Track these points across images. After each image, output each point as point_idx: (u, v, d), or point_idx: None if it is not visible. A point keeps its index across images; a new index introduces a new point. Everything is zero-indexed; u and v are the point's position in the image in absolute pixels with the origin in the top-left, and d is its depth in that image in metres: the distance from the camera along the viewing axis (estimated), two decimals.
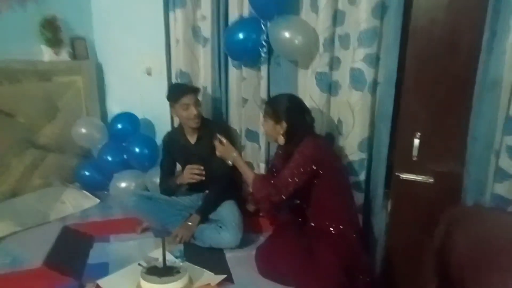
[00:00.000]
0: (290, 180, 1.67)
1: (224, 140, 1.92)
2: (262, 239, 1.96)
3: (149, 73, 2.68)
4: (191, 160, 2.13)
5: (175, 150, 2.24)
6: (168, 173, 2.26)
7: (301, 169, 1.67)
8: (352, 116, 1.97)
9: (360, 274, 1.70)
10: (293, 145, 1.75)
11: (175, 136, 2.26)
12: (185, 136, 2.20)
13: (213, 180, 2.10)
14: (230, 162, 1.91)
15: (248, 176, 1.83)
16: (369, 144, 2.02)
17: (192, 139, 2.19)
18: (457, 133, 1.75)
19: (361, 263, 1.73)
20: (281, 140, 1.80)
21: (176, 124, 2.47)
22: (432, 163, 1.87)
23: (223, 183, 2.11)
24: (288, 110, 1.77)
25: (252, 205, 2.24)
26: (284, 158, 1.83)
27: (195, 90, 2.11)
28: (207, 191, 2.17)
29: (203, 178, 2.04)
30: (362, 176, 2.04)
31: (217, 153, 1.94)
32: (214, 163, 2.07)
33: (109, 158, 2.60)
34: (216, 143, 1.94)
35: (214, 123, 2.27)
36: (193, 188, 2.21)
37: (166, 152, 2.28)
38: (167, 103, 2.17)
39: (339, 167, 1.90)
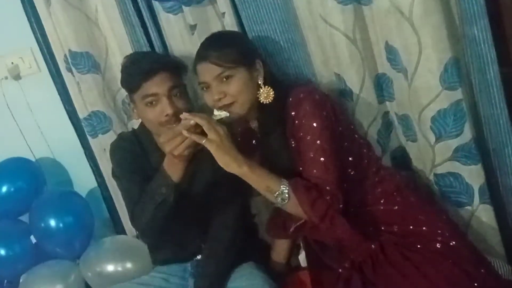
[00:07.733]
0: (327, 161, 1.17)
1: (193, 121, 1.10)
2: None
3: (16, 77, 2.00)
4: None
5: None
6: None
7: (326, 133, 1.18)
8: (416, 34, 1.20)
9: None
10: (281, 97, 1.26)
11: (134, 148, 1.47)
12: (156, 151, 1.43)
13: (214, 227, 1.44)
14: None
15: (273, 188, 1.14)
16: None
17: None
18: None
19: None
20: (269, 92, 1.26)
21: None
22: None
23: (228, 231, 1.43)
24: (251, 43, 1.37)
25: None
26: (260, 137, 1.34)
27: (170, 66, 1.35)
28: (199, 256, 1.48)
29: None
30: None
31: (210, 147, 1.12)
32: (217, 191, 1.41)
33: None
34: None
35: None
36: (180, 250, 1.48)
37: (130, 171, 1.44)
38: (65, 123, 1.65)
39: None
